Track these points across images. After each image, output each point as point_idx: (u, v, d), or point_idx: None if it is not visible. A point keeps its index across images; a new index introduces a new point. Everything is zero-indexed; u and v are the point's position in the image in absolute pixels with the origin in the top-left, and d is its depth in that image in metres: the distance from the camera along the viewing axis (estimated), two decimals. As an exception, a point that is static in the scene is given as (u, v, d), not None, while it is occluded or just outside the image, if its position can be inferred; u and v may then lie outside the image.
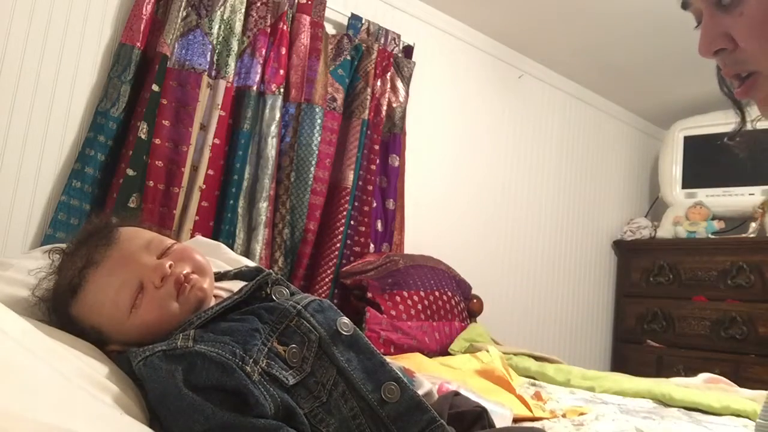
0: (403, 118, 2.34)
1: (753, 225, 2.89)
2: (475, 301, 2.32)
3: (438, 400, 0.83)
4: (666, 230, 3.13)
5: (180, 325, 0.76)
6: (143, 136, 1.72)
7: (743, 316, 2.74)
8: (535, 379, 1.78)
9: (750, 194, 2.94)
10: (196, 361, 0.68)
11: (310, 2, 2.09)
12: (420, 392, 0.77)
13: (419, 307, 2.01)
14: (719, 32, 0.57)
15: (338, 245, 2.08)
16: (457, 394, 0.86)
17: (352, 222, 2.18)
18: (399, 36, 2.36)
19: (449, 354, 1.95)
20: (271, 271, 0.85)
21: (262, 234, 1.91)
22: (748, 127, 0.67)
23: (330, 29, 2.22)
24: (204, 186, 1.84)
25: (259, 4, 1.99)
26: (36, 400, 0.52)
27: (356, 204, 2.20)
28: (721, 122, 3.03)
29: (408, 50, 2.40)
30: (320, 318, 0.77)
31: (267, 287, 0.82)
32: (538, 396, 1.47)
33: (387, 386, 0.73)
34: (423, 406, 0.73)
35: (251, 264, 1.11)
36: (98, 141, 1.68)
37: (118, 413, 0.63)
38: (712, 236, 2.98)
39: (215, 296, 0.85)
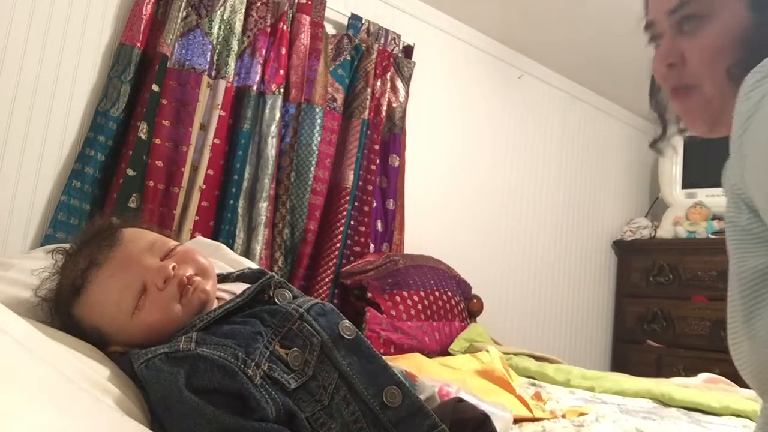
0: (403, 118, 2.34)
1: (753, 225, 2.88)
2: (475, 301, 2.32)
3: (440, 406, 0.83)
4: (666, 230, 3.13)
5: (182, 327, 0.76)
6: (143, 136, 1.72)
7: (743, 316, 2.74)
8: (535, 379, 1.78)
9: (750, 194, 2.94)
10: (198, 363, 0.68)
11: (310, 2, 2.09)
12: (422, 397, 0.77)
13: (419, 307, 2.01)
14: (676, 51, 0.70)
15: (338, 245, 2.08)
16: (460, 400, 0.86)
17: (352, 222, 2.18)
18: (399, 36, 2.36)
19: (449, 354, 1.95)
20: (273, 273, 0.85)
21: (262, 234, 1.91)
22: (670, 135, 0.83)
23: (330, 29, 2.22)
24: (204, 186, 1.84)
25: (259, 4, 1.99)
26: (37, 401, 0.52)
27: (356, 204, 2.20)
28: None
29: (408, 50, 2.40)
30: (322, 321, 0.77)
31: (269, 290, 0.82)
32: (538, 396, 1.47)
33: (389, 390, 0.73)
34: (424, 411, 0.72)
35: (253, 266, 1.11)
36: (98, 141, 1.68)
37: (120, 415, 0.63)
38: (712, 236, 2.98)
39: (218, 298, 0.85)
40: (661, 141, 0.83)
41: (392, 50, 2.32)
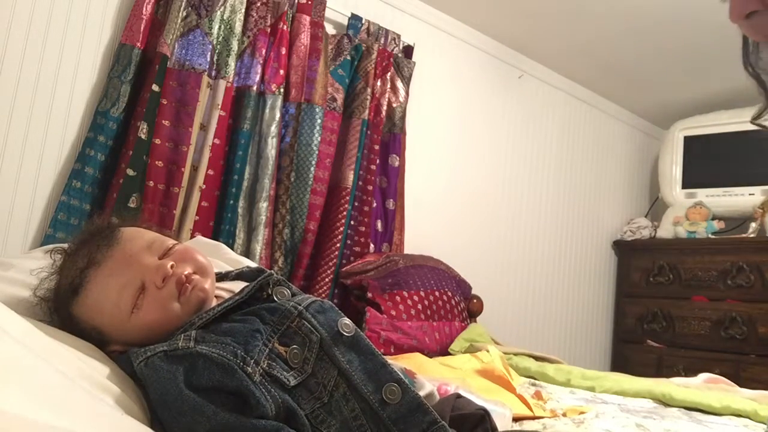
0: (403, 118, 2.34)
1: (753, 225, 2.89)
2: (475, 301, 2.32)
3: (440, 402, 0.83)
4: (666, 230, 3.13)
5: (181, 325, 0.76)
6: (143, 136, 1.72)
7: (743, 316, 2.74)
8: (535, 379, 1.78)
9: (750, 194, 2.94)
10: (197, 361, 0.68)
11: (310, 2, 2.09)
12: (421, 393, 0.77)
13: (419, 307, 2.01)
14: None
15: (338, 245, 2.08)
16: (459, 396, 0.86)
17: (352, 222, 2.18)
18: (399, 36, 2.36)
19: (449, 354, 1.95)
20: (272, 272, 0.85)
21: (262, 234, 1.91)
22: None
23: (330, 29, 2.22)
24: (204, 186, 1.84)
25: (259, 4, 1.99)
26: (37, 400, 0.52)
27: (356, 204, 2.20)
28: (721, 122, 3.04)
29: (408, 50, 2.40)
30: (321, 319, 0.77)
31: (268, 288, 0.82)
32: (538, 396, 1.47)
33: (388, 387, 0.73)
34: (424, 408, 0.72)
35: (252, 264, 1.11)
36: (98, 141, 1.68)
37: (119, 414, 0.63)
38: (712, 236, 2.98)
39: (216, 297, 0.85)
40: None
41: (392, 50, 2.32)
